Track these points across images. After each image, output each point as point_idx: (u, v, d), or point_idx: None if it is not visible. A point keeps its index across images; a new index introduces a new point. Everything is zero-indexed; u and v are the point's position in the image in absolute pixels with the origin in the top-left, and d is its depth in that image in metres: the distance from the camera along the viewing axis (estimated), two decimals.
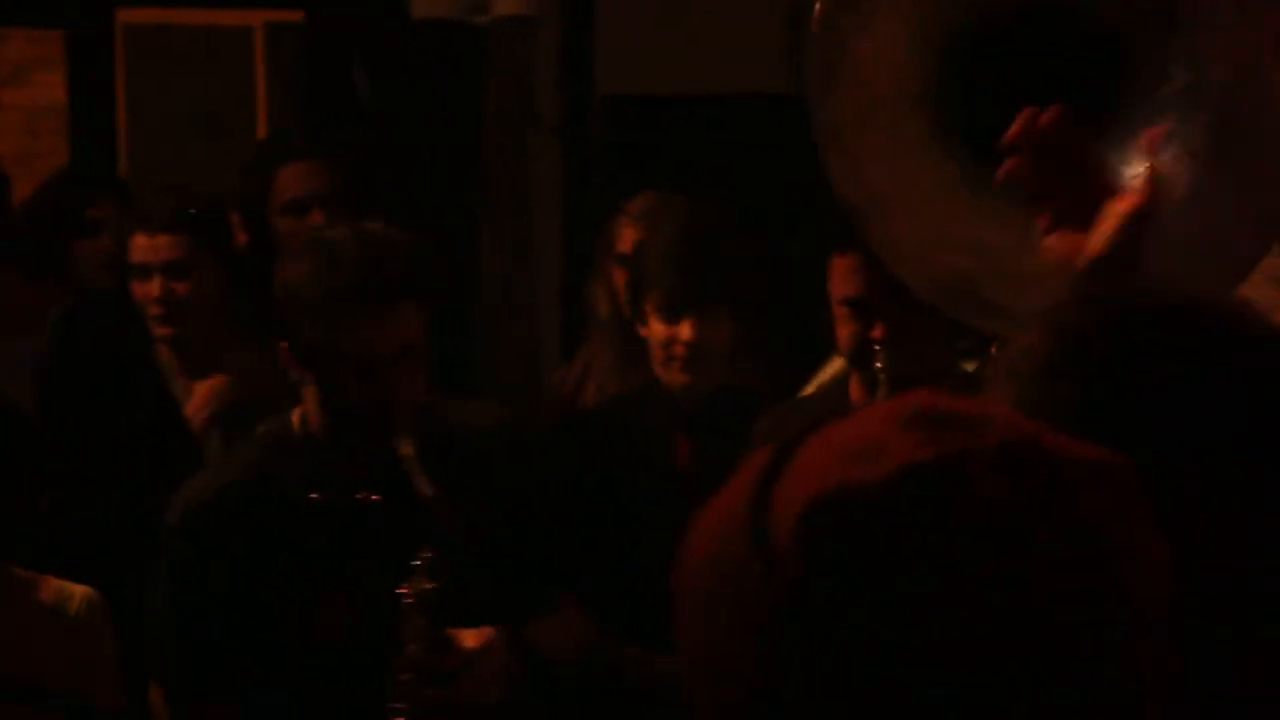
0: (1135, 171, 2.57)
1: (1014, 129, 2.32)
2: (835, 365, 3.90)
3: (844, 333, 3.33)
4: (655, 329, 3.80)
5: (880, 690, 1.18)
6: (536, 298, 6.35)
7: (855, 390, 3.38)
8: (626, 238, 4.24)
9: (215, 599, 3.20)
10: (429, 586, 3.02)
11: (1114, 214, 2.24)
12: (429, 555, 3.02)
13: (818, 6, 2.59)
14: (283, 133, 6.19)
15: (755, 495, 1.24)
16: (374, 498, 3.11)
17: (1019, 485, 1.20)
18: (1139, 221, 2.23)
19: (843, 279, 3.31)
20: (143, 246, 4.24)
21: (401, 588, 3.02)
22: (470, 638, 3.09)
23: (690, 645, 1.26)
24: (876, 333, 3.24)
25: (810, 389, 4.03)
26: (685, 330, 3.75)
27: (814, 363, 4.16)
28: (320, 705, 3.17)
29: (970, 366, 3.33)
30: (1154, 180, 2.29)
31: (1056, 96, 2.65)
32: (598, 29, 6.37)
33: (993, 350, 1.64)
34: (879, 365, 3.22)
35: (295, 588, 3.17)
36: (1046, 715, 1.19)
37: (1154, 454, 1.50)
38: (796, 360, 4.24)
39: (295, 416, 3.28)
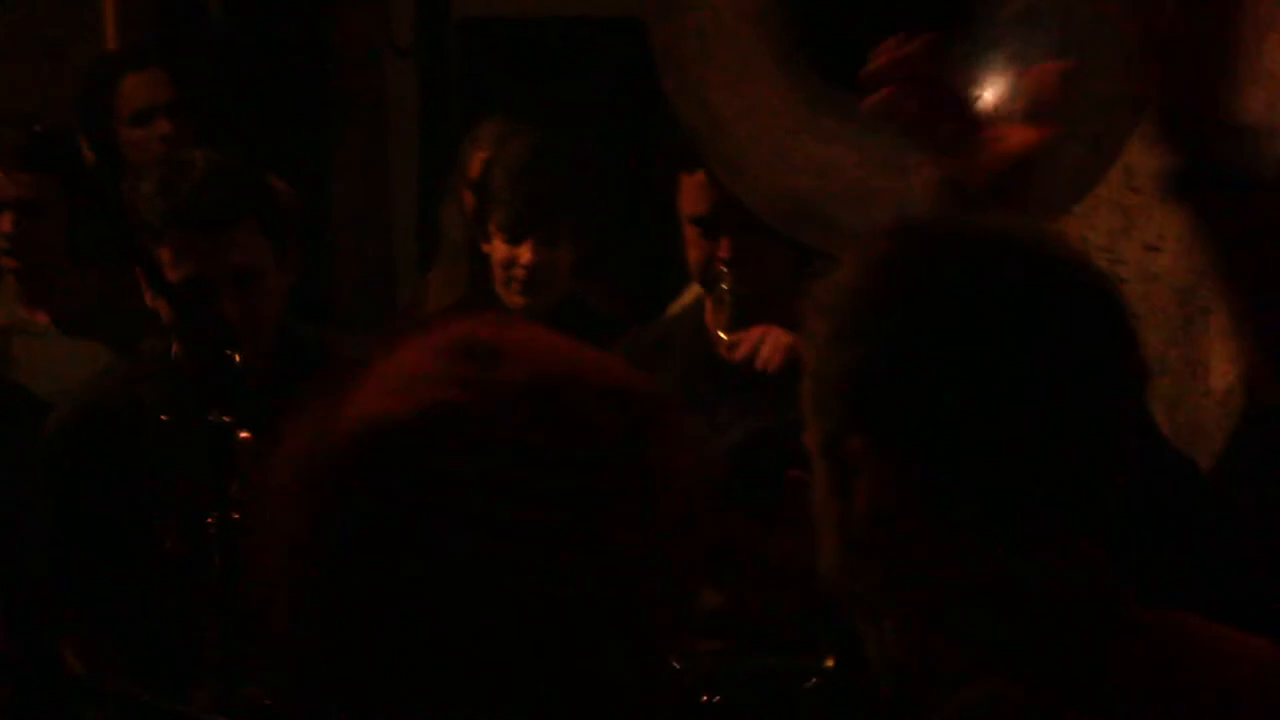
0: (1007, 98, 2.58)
1: (881, 59, 2.30)
2: (697, 288, 3.90)
3: (693, 253, 3.32)
4: (497, 248, 3.87)
5: (404, 621, 1.27)
6: (392, 222, 6.32)
7: (709, 312, 3.38)
8: (476, 162, 4.24)
9: (75, 515, 3.26)
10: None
11: (1008, 146, 2.24)
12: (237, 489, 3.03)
13: None
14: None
15: (323, 418, 1.31)
16: (226, 419, 3.10)
17: (539, 416, 1.27)
18: (1031, 156, 2.23)
19: (691, 197, 3.30)
20: None
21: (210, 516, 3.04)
22: None
23: (264, 540, 1.34)
24: (722, 251, 3.24)
25: (673, 311, 4.03)
26: (525, 253, 3.80)
27: (673, 288, 4.16)
28: (167, 624, 3.18)
29: None
30: (1049, 114, 2.29)
31: (900, 19, 2.65)
32: None
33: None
34: (724, 286, 3.22)
35: (147, 507, 3.20)
36: (567, 623, 1.28)
37: (957, 384, 1.51)
38: (652, 285, 4.24)
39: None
